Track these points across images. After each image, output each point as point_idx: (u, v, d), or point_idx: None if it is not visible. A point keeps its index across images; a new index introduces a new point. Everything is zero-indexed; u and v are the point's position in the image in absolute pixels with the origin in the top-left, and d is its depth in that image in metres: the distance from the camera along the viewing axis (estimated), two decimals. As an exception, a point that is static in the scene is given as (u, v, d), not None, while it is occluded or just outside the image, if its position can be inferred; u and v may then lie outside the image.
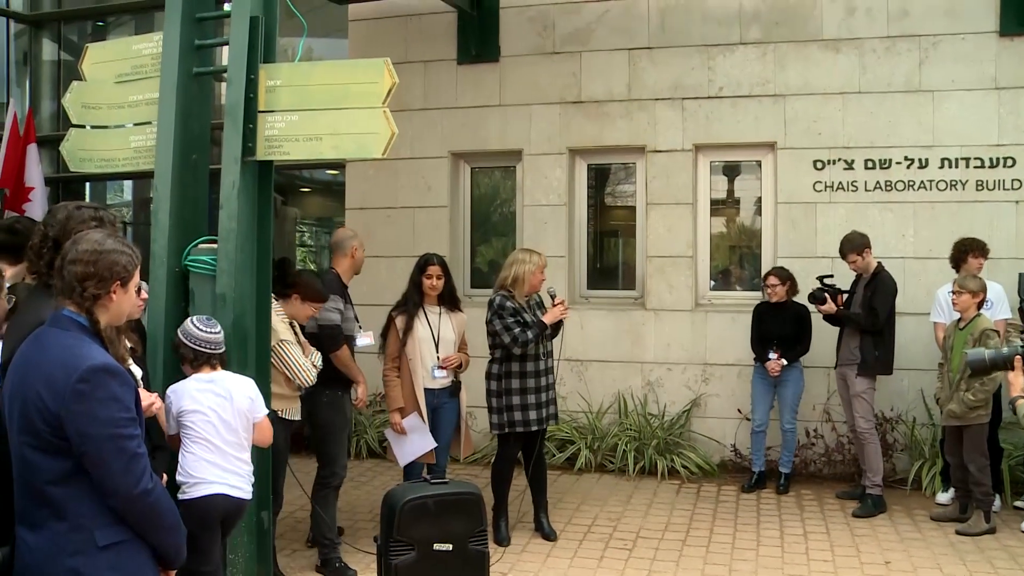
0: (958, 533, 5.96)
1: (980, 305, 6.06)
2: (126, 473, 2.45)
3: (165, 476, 3.76)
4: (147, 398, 3.45)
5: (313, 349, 5.17)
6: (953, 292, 6.11)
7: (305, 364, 4.95)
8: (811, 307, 6.91)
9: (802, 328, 7.03)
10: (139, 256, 2.69)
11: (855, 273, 6.78)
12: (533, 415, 5.81)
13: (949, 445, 6.28)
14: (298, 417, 5.14)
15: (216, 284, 4.38)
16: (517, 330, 5.70)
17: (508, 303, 5.78)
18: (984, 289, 6.09)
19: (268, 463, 4.60)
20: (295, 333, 5.08)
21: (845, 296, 6.78)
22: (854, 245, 6.61)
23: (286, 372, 4.91)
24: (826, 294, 6.71)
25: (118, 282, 2.59)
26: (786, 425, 7.05)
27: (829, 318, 6.81)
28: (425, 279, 5.70)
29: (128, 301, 2.67)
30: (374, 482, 7.22)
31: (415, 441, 5.66)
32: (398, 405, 5.64)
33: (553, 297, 5.87)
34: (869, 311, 6.50)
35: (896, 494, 6.82)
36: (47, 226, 3.11)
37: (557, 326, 5.92)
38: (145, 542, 2.56)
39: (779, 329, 7.02)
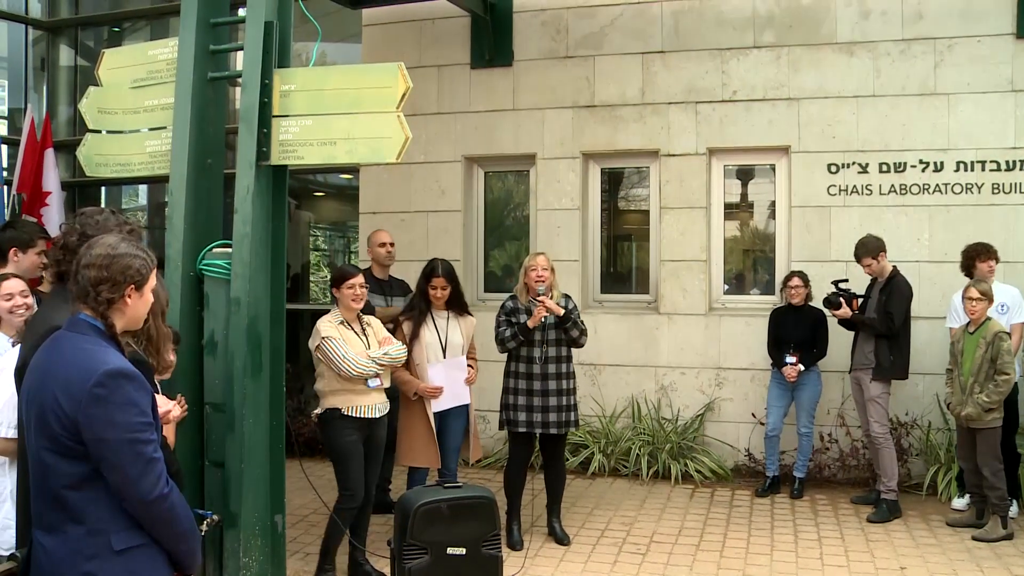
0: (975, 539, 5.92)
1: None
2: (142, 478, 2.45)
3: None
4: (165, 404, 3.46)
5: (394, 343, 5.26)
6: (974, 299, 6.03)
7: (348, 356, 4.97)
8: (826, 312, 6.88)
9: (819, 332, 7.02)
10: (154, 260, 2.69)
11: (870, 277, 6.76)
12: (523, 416, 5.81)
13: (962, 449, 6.25)
14: (374, 415, 5.11)
15: (230, 288, 4.41)
16: (501, 328, 5.82)
17: (509, 303, 5.90)
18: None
19: (281, 467, 4.61)
20: (363, 331, 5.18)
21: (860, 301, 6.75)
22: (869, 249, 6.59)
23: (332, 367, 4.99)
24: (841, 299, 6.69)
25: (132, 286, 2.59)
26: (802, 429, 7.02)
27: (844, 322, 6.79)
28: (430, 289, 5.71)
29: (144, 305, 2.67)
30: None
31: (456, 378, 5.72)
32: (416, 383, 5.61)
33: (537, 296, 5.79)
34: (884, 315, 6.48)
35: (911, 499, 6.79)
36: (84, 225, 3.10)
37: (567, 330, 5.88)
38: (161, 547, 2.56)
39: (797, 333, 7.00)
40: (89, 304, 2.56)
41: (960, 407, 6.09)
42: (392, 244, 6.80)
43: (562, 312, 5.79)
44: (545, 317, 5.76)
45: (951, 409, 6.33)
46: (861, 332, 6.70)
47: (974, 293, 6.03)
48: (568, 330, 5.87)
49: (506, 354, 5.94)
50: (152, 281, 2.68)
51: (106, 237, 2.66)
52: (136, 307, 2.64)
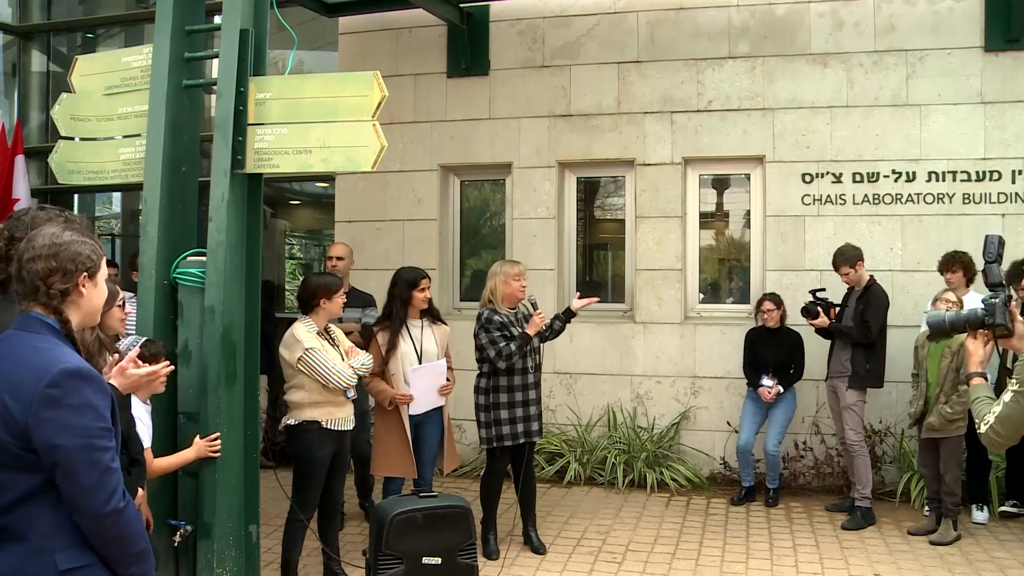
0: (932, 543, 6.01)
1: None
2: (96, 490, 2.25)
3: (141, 491, 3.72)
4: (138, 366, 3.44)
5: (362, 353, 5.19)
6: (948, 303, 6.07)
7: (336, 367, 4.88)
8: (803, 321, 6.90)
9: (796, 354, 7.05)
10: (102, 246, 2.50)
11: (847, 286, 6.81)
12: (521, 428, 5.80)
13: (923, 456, 6.32)
14: (347, 427, 5.05)
15: (205, 296, 4.38)
16: (502, 344, 5.70)
17: (495, 317, 5.78)
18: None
19: (255, 477, 4.58)
20: (331, 340, 5.09)
21: (837, 310, 6.79)
22: (847, 257, 6.64)
23: (318, 379, 4.87)
24: (819, 308, 6.72)
25: (84, 274, 2.40)
26: (770, 448, 6.98)
27: (821, 331, 6.83)
28: (418, 293, 5.64)
29: (100, 295, 2.48)
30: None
31: (437, 382, 5.67)
32: (390, 391, 5.54)
33: (534, 306, 5.83)
34: (861, 324, 6.52)
35: (885, 506, 6.84)
36: (11, 229, 2.91)
37: (550, 335, 5.96)
38: (108, 568, 2.35)
39: (773, 356, 7.03)
40: (40, 300, 2.35)
41: (919, 408, 6.20)
42: (340, 258, 6.76)
43: (548, 321, 5.89)
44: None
45: (911, 416, 6.36)
46: (838, 341, 6.74)
47: (952, 297, 6.04)
48: (553, 335, 6.01)
49: (488, 367, 5.82)
50: (104, 270, 2.49)
51: (46, 227, 2.44)
52: (92, 298, 2.44)
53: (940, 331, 3.44)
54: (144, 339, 4.11)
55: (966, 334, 3.32)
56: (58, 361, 2.27)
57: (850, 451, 6.63)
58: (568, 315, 5.98)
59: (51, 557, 2.27)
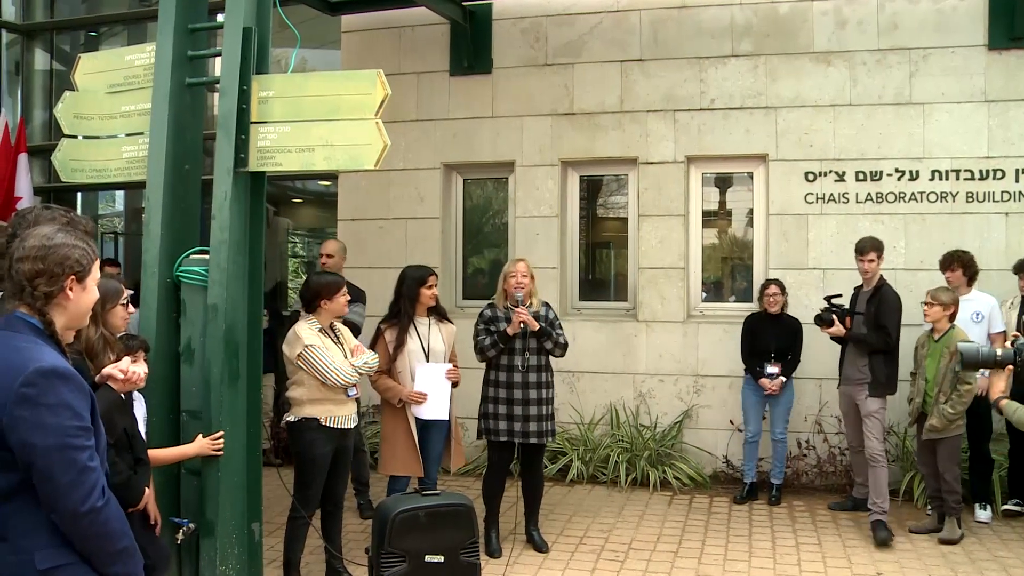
0: (941, 542, 6.01)
1: (952, 318, 6.06)
2: (73, 488, 2.23)
3: (148, 490, 3.73)
4: (130, 367, 3.43)
5: (367, 352, 5.19)
6: (925, 304, 6.10)
7: (335, 364, 4.88)
8: (811, 324, 6.86)
9: (796, 340, 7.06)
10: (95, 251, 2.49)
11: (853, 287, 6.70)
12: (518, 427, 5.77)
13: (922, 455, 6.31)
14: (348, 425, 5.04)
15: (207, 295, 4.38)
16: (480, 337, 5.80)
17: (487, 311, 5.90)
18: (956, 302, 6.07)
19: (258, 475, 4.58)
20: (336, 338, 5.09)
21: (852, 319, 6.50)
22: (875, 244, 6.45)
23: (316, 375, 4.88)
24: (834, 315, 6.44)
25: (72, 277, 2.39)
26: (778, 436, 7.04)
27: (836, 338, 6.61)
28: (426, 290, 5.65)
29: (88, 299, 2.47)
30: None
31: (441, 388, 5.62)
32: (401, 390, 5.52)
33: (517, 305, 5.72)
34: (878, 330, 6.29)
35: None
36: (15, 225, 2.98)
37: (542, 343, 5.84)
38: (91, 567, 2.32)
39: (775, 342, 7.01)
40: (25, 300, 2.36)
41: (917, 407, 6.21)
42: (330, 256, 6.84)
43: (537, 327, 5.73)
44: (524, 324, 5.73)
45: (910, 415, 6.34)
46: (851, 346, 6.51)
47: (927, 297, 6.11)
48: (543, 344, 5.83)
49: (485, 362, 5.91)
50: (96, 273, 2.48)
51: (40, 228, 2.43)
52: (79, 301, 2.43)
53: (973, 364, 3.74)
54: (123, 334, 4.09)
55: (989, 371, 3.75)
56: (34, 360, 2.26)
57: (871, 462, 6.27)
58: (504, 339, 5.77)
59: (30, 556, 2.26)
